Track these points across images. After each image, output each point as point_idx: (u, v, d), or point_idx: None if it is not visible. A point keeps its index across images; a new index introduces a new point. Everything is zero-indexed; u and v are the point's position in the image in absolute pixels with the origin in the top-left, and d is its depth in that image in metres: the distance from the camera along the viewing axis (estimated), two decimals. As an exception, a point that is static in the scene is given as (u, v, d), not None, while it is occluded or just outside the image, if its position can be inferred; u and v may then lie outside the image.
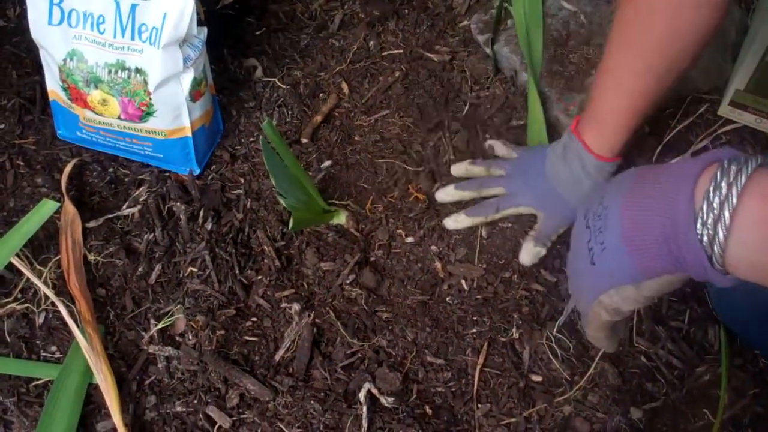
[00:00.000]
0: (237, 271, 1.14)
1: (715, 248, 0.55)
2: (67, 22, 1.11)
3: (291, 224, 1.08)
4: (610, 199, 0.66)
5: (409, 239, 1.18)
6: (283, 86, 1.32)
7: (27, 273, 1.11)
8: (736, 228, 0.54)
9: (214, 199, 1.20)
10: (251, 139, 1.27)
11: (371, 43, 1.38)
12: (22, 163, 1.24)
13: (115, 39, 1.10)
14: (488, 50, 1.33)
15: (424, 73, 1.34)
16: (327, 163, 1.25)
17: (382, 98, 1.32)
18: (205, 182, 1.22)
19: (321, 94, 1.33)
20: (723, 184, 0.54)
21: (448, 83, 1.33)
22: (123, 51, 1.11)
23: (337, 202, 1.22)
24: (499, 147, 1.20)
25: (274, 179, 1.09)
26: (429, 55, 1.36)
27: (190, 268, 1.14)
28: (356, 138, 1.28)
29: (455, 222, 1.16)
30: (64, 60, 1.13)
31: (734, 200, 0.54)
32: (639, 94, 0.97)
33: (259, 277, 1.14)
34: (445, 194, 1.18)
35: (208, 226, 1.17)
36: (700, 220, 0.56)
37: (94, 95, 1.14)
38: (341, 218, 1.19)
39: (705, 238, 0.55)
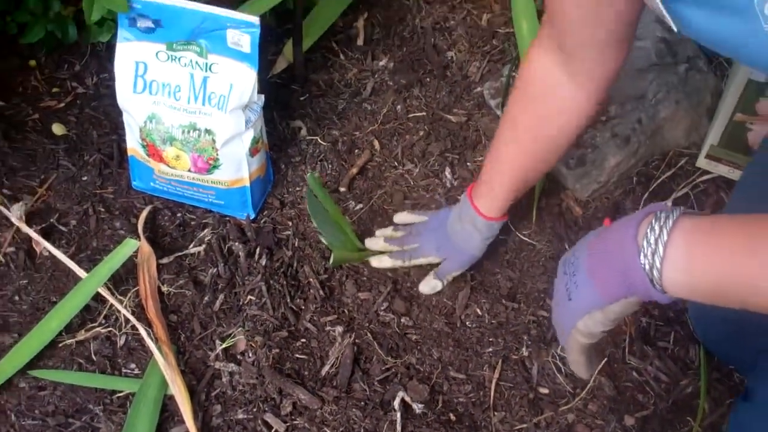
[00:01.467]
0: (288, 300, 1.34)
1: (655, 274, 0.74)
2: (148, 91, 1.33)
3: (331, 260, 1.29)
4: (578, 249, 0.85)
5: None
6: (324, 143, 1.54)
7: (112, 301, 1.31)
8: (668, 257, 0.73)
9: (267, 239, 1.41)
10: (297, 189, 1.48)
11: (398, 106, 1.60)
12: (102, 210, 1.45)
13: (188, 104, 1.32)
14: (499, 112, 1.55)
15: (444, 132, 1.56)
16: (360, 207, 1.46)
17: (408, 153, 1.53)
18: (259, 225, 1.43)
19: (356, 150, 1.54)
20: (656, 227, 0.73)
21: (464, 141, 1.54)
22: (195, 114, 1.33)
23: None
24: (407, 216, 1.43)
25: (316, 223, 1.30)
26: (448, 116, 1.58)
27: (249, 297, 1.34)
28: (387, 187, 1.50)
29: (379, 261, 1.38)
30: (145, 122, 1.35)
31: (665, 237, 0.73)
32: (518, 168, 1.20)
33: (307, 305, 1.34)
34: (373, 243, 1.40)
35: (263, 261, 1.38)
36: (642, 254, 0.74)
37: (169, 151, 1.36)
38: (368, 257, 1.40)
39: (647, 267, 0.74)
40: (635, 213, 0.76)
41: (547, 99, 1.11)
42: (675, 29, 0.78)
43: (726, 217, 0.74)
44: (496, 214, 1.28)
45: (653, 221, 0.73)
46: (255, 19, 1.26)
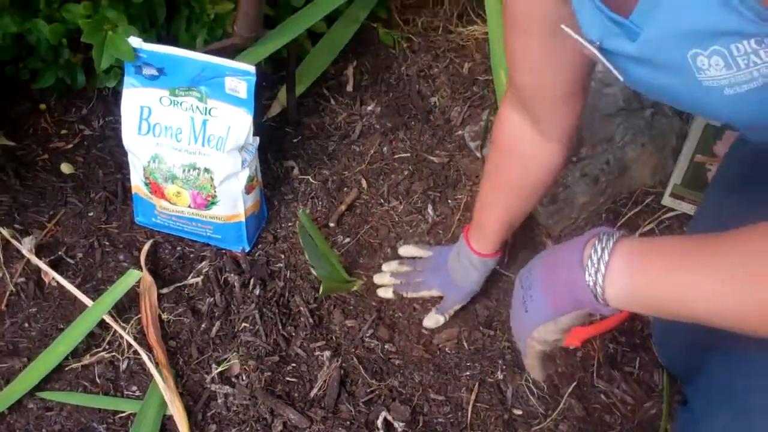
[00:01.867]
0: (280, 327, 1.44)
1: (598, 290, 0.83)
2: (152, 133, 1.45)
3: (321, 290, 1.40)
4: (533, 267, 0.95)
5: (415, 304, 1.49)
6: (315, 182, 1.65)
7: (116, 327, 1.41)
8: (609, 275, 0.82)
9: (261, 271, 1.51)
10: (290, 224, 1.59)
11: (385, 148, 1.71)
12: (107, 243, 1.55)
13: (189, 145, 1.43)
14: (479, 154, 1.66)
15: (427, 172, 1.67)
16: (348, 241, 1.57)
17: (393, 191, 1.64)
18: (253, 258, 1.53)
19: (345, 188, 1.65)
20: (599, 248, 0.83)
21: (446, 180, 1.65)
22: (195, 155, 1.44)
23: (357, 273, 1.53)
24: (412, 249, 1.54)
25: (307, 255, 1.41)
26: (431, 158, 1.69)
27: (243, 324, 1.44)
28: (373, 222, 1.60)
29: (385, 292, 1.50)
30: (149, 162, 1.46)
31: (606, 257, 0.82)
32: (502, 211, 1.32)
33: (297, 332, 1.44)
34: (381, 279, 1.52)
35: (257, 291, 1.48)
36: (587, 272, 0.84)
37: (171, 189, 1.47)
38: (358, 286, 1.50)
39: (591, 284, 0.83)
40: (582, 235, 0.86)
41: (518, 153, 1.23)
42: (621, 79, 0.89)
43: (663, 238, 0.84)
44: (490, 252, 1.40)
45: (596, 243, 0.83)
46: (251, 68, 1.38)
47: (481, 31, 1.87)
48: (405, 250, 1.55)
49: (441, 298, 1.48)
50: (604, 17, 0.82)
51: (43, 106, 1.73)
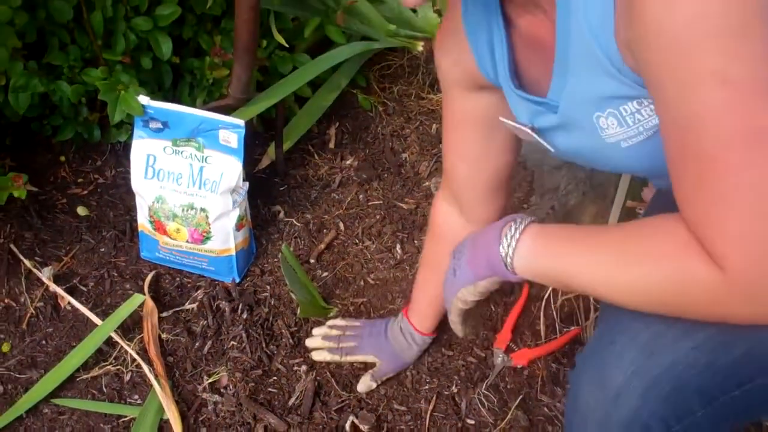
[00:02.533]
0: (263, 346, 1.65)
1: (508, 260, 1.03)
2: (156, 178, 1.69)
3: (299, 312, 1.62)
4: (463, 244, 1.15)
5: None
6: (298, 224, 1.89)
7: (122, 344, 1.63)
8: (517, 249, 1.01)
9: (249, 298, 1.73)
10: (275, 260, 1.82)
11: (360, 196, 1.95)
12: (116, 274, 1.78)
13: (188, 188, 1.67)
14: (442, 201, 1.90)
15: (397, 217, 1.90)
16: (326, 275, 1.80)
17: (367, 233, 1.88)
18: (242, 288, 1.76)
19: (324, 230, 1.89)
20: (513, 228, 1.02)
21: (413, 224, 1.89)
22: (193, 196, 1.67)
23: (333, 302, 1.75)
24: (339, 321, 1.69)
25: (288, 283, 1.63)
26: (401, 204, 1.93)
27: (232, 343, 1.66)
28: (348, 259, 1.83)
29: (318, 354, 1.65)
30: (153, 202, 1.70)
31: (517, 235, 1.02)
32: (436, 290, 1.41)
33: (279, 350, 1.65)
34: (312, 342, 1.67)
35: (244, 316, 1.70)
36: (501, 246, 1.04)
37: (171, 226, 1.71)
38: (334, 313, 1.72)
39: (503, 255, 1.03)
40: (501, 219, 1.09)
41: (447, 239, 1.41)
42: (552, 151, 1.13)
43: (563, 226, 1.05)
44: (428, 330, 1.61)
45: (512, 224, 1.05)
46: (241, 122, 1.62)
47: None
48: (332, 322, 1.70)
49: (374, 364, 1.63)
50: (529, 102, 1.06)
51: (62, 158, 1.98)
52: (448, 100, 1.26)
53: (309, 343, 1.67)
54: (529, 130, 1.09)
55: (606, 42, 0.87)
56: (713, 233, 0.81)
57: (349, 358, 1.65)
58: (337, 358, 1.64)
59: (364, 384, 1.61)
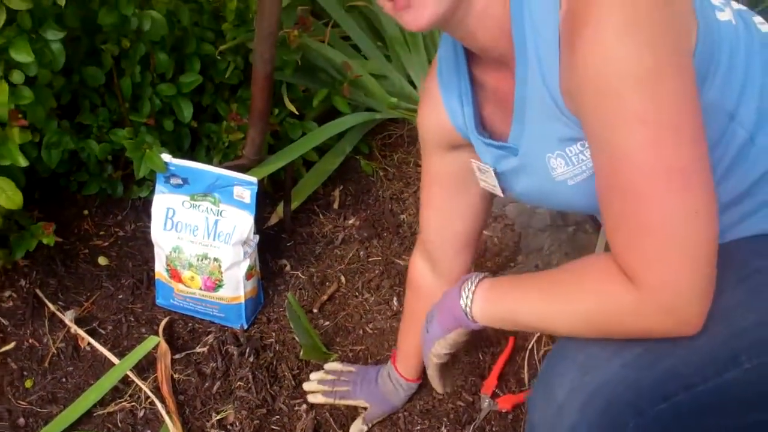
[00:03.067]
0: (268, 387, 1.78)
1: (467, 311, 1.19)
2: (175, 229, 1.84)
3: (302, 354, 1.76)
4: (433, 307, 1.30)
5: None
6: (303, 277, 2.04)
7: (137, 382, 1.77)
8: (473, 300, 1.18)
9: (256, 343, 1.87)
10: (281, 310, 1.96)
11: (361, 252, 2.11)
12: (132, 319, 1.92)
13: (203, 240, 1.83)
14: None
15: (394, 272, 2.05)
16: (328, 324, 1.94)
17: (366, 286, 2.02)
18: (250, 333, 1.90)
19: (327, 283, 2.04)
20: (469, 283, 1.19)
21: (410, 279, 2.04)
22: (207, 246, 1.83)
23: (333, 349, 1.89)
24: (336, 365, 1.83)
25: (294, 328, 1.77)
26: (398, 261, 2.08)
27: (239, 383, 1.79)
28: (349, 310, 1.98)
29: (314, 397, 1.78)
30: (170, 252, 1.85)
31: (473, 288, 1.19)
32: (417, 339, 1.46)
33: (282, 391, 1.79)
34: (309, 386, 1.80)
35: (251, 359, 1.83)
36: (461, 300, 1.20)
37: (186, 274, 1.86)
38: (334, 358, 1.86)
39: (463, 306, 1.19)
40: (460, 279, 1.24)
41: (422, 291, 1.59)
42: (501, 194, 1.29)
43: (510, 277, 1.21)
44: (413, 377, 1.74)
45: (469, 281, 1.21)
46: (254, 180, 1.79)
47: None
48: (330, 366, 1.82)
49: (365, 408, 1.74)
50: (493, 148, 1.23)
51: (86, 212, 2.13)
52: (426, 159, 1.43)
53: (306, 386, 1.80)
54: (492, 171, 1.25)
55: (554, 90, 1.03)
56: (632, 258, 0.97)
57: (342, 402, 1.77)
58: (330, 400, 1.77)
59: (356, 428, 1.73)
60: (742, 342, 1.03)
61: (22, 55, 1.51)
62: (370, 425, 1.74)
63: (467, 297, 1.20)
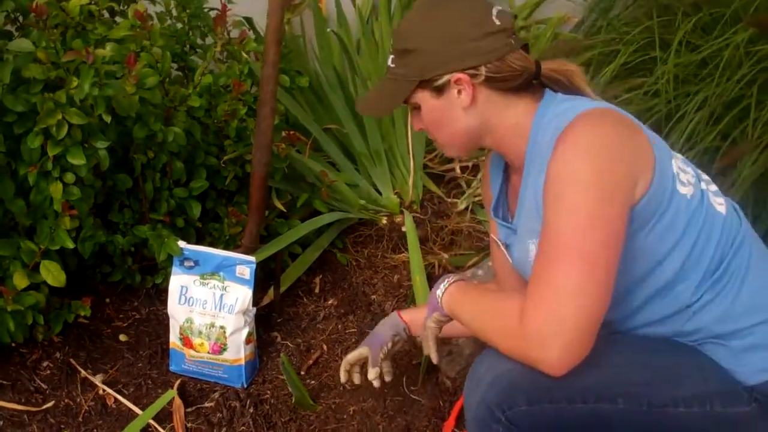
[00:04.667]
0: (265, 429, 2.16)
1: (439, 302, 1.61)
2: (187, 304, 2.26)
3: (294, 401, 2.15)
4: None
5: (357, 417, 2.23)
6: (291, 346, 2.44)
7: (159, 429, 2.14)
8: (444, 297, 1.61)
9: (254, 399, 2.25)
10: (274, 372, 2.35)
11: (339, 326, 2.52)
12: (150, 383, 2.30)
13: (211, 311, 2.24)
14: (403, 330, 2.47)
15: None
16: (314, 382, 2.33)
17: (345, 352, 2.43)
18: (249, 391, 2.28)
19: (312, 350, 2.44)
20: (445, 282, 1.62)
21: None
22: (214, 317, 2.24)
23: (319, 402, 2.28)
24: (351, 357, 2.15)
25: (288, 382, 2.17)
26: (370, 331, 2.49)
27: (242, 428, 2.16)
28: (331, 371, 2.37)
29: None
30: (183, 323, 2.26)
31: (445, 287, 1.61)
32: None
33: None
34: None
35: (251, 410, 2.21)
36: (437, 293, 1.62)
37: (197, 341, 2.26)
38: (319, 410, 2.25)
39: (438, 298, 1.61)
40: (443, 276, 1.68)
41: None
42: (511, 261, 1.72)
43: (473, 286, 1.65)
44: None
45: (446, 280, 1.64)
46: (253, 259, 2.22)
47: (405, 257, 2.74)
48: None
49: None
50: (503, 227, 1.70)
51: (107, 300, 2.54)
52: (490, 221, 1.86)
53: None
54: (501, 242, 1.73)
55: (539, 192, 1.47)
56: (529, 300, 1.38)
57: (349, 357, 2.08)
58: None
59: (372, 373, 1.98)
60: (624, 389, 1.45)
61: (77, 159, 1.97)
62: (379, 368, 1.98)
63: (441, 290, 1.64)
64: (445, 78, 1.53)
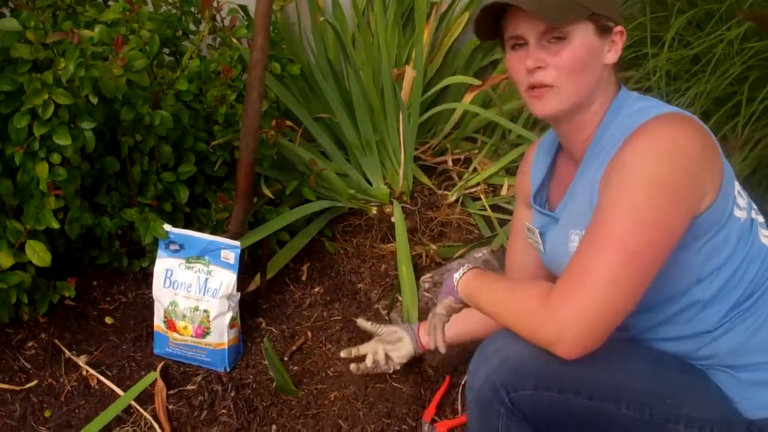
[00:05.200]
0: (246, 413, 2.17)
1: (456, 288, 1.65)
2: (172, 287, 2.27)
3: (275, 385, 2.16)
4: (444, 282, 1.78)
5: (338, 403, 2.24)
6: (276, 332, 2.45)
7: (140, 409, 2.15)
8: (460, 283, 1.64)
9: (237, 382, 2.26)
10: (257, 357, 2.36)
11: (325, 313, 2.53)
12: (134, 365, 2.32)
13: (195, 295, 2.25)
14: (387, 318, 2.48)
15: (352, 328, 2.46)
16: (296, 368, 2.34)
17: (329, 339, 2.44)
18: (232, 375, 2.29)
19: (296, 336, 2.45)
20: (462, 269, 1.65)
21: (364, 333, 2.45)
22: (198, 300, 2.25)
23: (301, 388, 2.29)
24: (365, 325, 2.27)
25: (269, 366, 2.18)
26: (355, 319, 2.49)
27: (222, 411, 2.17)
28: (314, 358, 2.38)
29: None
30: (168, 306, 2.27)
31: (462, 274, 1.64)
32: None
33: (256, 417, 2.17)
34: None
35: (232, 393, 2.22)
36: (454, 279, 1.65)
37: (180, 324, 2.27)
38: (301, 395, 2.26)
39: (455, 283, 1.64)
40: (458, 265, 1.70)
41: None
42: (542, 250, 1.73)
43: (489, 274, 1.65)
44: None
45: (461, 268, 1.67)
46: (237, 243, 2.23)
47: (393, 247, 2.74)
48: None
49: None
50: (542, 215, 1.70)
51: (94, 282, 2.55)
52: (515, 210, 1.89)
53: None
54: (536, 229, 1.73)
55: (596, 182, 1.47)
56: (560, 281, 1.41)
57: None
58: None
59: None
60: (630, 394, 1.47)
61: (62, 139, 1.98)
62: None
63: (459, 276, 1.66)
64: (611, 24, 1.51)
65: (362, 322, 2.27)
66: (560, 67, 1.47)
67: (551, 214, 1.67)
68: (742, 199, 1.52)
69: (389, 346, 2.16)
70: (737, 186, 1.52)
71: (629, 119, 1.48)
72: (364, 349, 2.19)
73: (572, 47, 1.47)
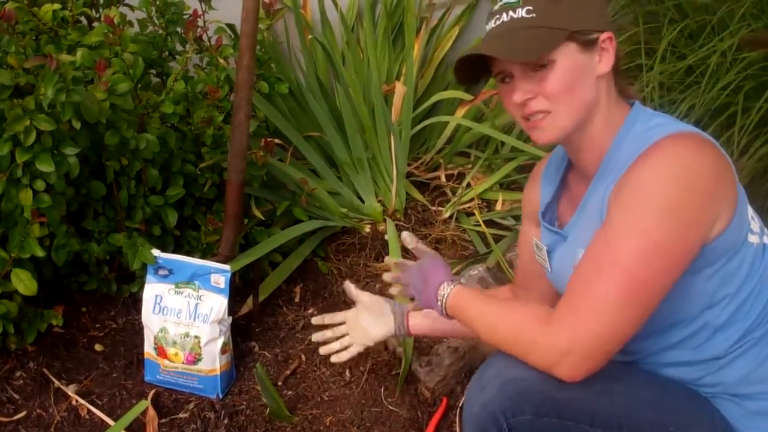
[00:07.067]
0: (240, 442, 2.13)
1: (441, 306, 1.59)
2: (162, 313, 2.22)
3: (269, 411, 2.11)
4: (411, 270, 1.75)
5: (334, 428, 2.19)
6: (269, 356, 2.41)
7: (129, 439, 2.11)
8: (448, 301, 1.58)
9: (229, 409, 2.22)
10: (250, 383, 2.32)
11: (319, 336, 2.49)
12: (124, 393, 2.27)
13: (186, 321, 2.21)
14: (382, 339, 2.43)
15: (347, 350, 2.43)
16: (291, 393, 2.30)
17: (323, 362, 2.39)
18: (224, 402, 2.25)
19: (289, 360, 2.40)
20: (447, 287, 1.59)
21: (358, 356, 2.41)
22: (188, 326, 2.20)
23: (295, 413, 2.24)
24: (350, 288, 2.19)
25: (262, 392, 2.13)
26: (350, 342, 2.46)
27: (216, 439, 2.13)
28: (308, 382, 2.34)
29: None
30: (158, 332, 2.22)
31: (449, 292, 1.58)
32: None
33: (252, 445, 2.13)
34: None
35: (225, 421, 2.17)
36: (438, 295, 1.60)
37: (171, 350, 2.22)
38: (296, 421, 2.21)
39: (441, 300, 1.59)
40: (441, 276, 1.65)
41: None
42: (549, 269, 1.69)
43: (474, 292, 1.59)
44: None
45: (446, 284, 1.61)
46: (228, 267, 2.19)
47: (387, 265, 2.70)
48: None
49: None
50: (551, 232, 1.65)
51: (83, 309, 2.51)
52: (522, 226, 1.86)
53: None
54: (544, 247, 1.68)
55: (605, 200, 1.43)
56: (562, 303, 1.37)
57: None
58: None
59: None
60: (631, 422, 1.42)
61: (45, 165, 1.94)
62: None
63: (444, 296, 1.61)
64: (595, 35, 1.46)
65: (348, 285, 2.19)
66: (550, 94, 1.44)
67: (560, 231, 1.63)
68: (755, 223, 1.48)
69: (370, 319, 2.08)
70: (750, 211, 1.48)
71: (642, 136, 1.43)
72: (341, 317, 2.15)
73: (557, 72, 1.43)
